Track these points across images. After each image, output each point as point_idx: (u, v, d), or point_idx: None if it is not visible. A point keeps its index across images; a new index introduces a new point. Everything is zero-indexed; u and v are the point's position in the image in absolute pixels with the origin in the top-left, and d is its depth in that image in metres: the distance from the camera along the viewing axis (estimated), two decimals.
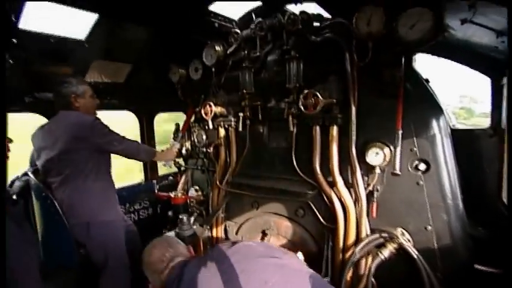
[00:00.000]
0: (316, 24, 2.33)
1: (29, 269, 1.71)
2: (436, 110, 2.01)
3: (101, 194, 2.56)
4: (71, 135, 2.38)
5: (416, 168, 1.99)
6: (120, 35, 2.80)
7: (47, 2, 2.16)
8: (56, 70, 2.81)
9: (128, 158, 2.70)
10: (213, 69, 2.77)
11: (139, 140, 3.75)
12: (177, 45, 3.08)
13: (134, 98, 3.51)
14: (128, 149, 2.61)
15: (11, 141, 1.74)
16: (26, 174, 2.64)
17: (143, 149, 2.77)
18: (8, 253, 1.52)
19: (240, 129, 2.63)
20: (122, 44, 2.92)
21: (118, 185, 2.98)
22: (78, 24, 2.65)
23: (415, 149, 1.98)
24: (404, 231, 2.00)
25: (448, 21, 1.89)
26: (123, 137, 2.61)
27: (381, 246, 2.03)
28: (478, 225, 2.08)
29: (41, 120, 2.96)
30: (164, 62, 3.13)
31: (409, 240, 1.97)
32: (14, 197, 2.12)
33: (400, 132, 1.95)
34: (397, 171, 1.98)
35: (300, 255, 2.49)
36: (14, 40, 2.33)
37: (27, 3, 2.13)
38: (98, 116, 2.64)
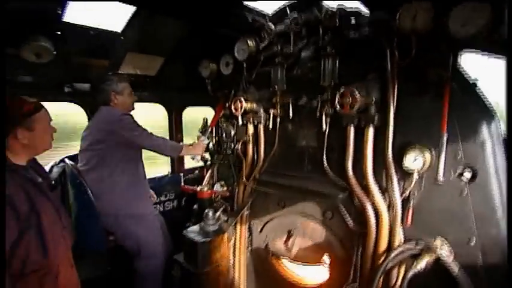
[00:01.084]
0: (354, 19, 2.23)
1: (65, 253, 1.77)
2: (486, 113, 1.85)
3: (128, 187, 2.67)
4: (100, 128, 2.60)
5: (460, 176, 1.85)
6: (154, 28, 2.84)
7: None
8: (94, 62, 2.91)
9: (156, 152, 2.78)
10: (245, 65, 2.73)
11: (167, 133, 3.83)
12: (209, 39, 3.08)
13: (164, 91, 3.56)
14: (154, 145, 2.72)
15: (54, 130, 1.82)
16: (63, 160, 2.77)
17: (170, 145, 2.85)
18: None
19: (270, 126, 2.58)
20: (155, 37, 2.97)
21: None
22: (115, 17, 2.72)
23: (460, 155, 1.83)
24: (444, 241, 1.87)
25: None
26: (151, 133, 2.72)
27: (416, 256, 1.90)
28: None
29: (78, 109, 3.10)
30: (196, 57, 3.15)
31: (449, 253, 1.83)
32: (53, 182, 2.22)
33: (446, 135, 1.81)
34: (440, 180, 1.84)
35: (326, 258, 2.43)
36: (58, 32, 2.43)
37: None
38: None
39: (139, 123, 2.70)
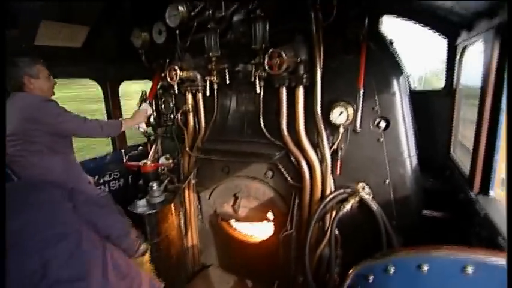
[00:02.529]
0: None
1: None
2: (397, 70, 2.08)
3: (62, 171, 2.46)
4: (21, 117, 2.23)
5: (378, 125, 2.09)
6: None
7: None
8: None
9: (92, 137, 2.56)
10: (177, 32, 2.63)
11: (104, 110, 3.59)
12: (138, 5, 2.88)
13: (95, 64, 3.29)
14: (89, 128, 2.45)
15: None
16: None
17: (107, 125, 2.59)
18: None
19: (208, 94, 2.58)
20: (75, 3, 2.68)
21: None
22: None
23: (376, 107, 2.06)
24: (365, 185, 2.13)
25: None
26: (83, 117, 2.45)
27: (343, 201, 2.15)
28: (429, 177, 2.27)
29: None
30: (126, 25, 2.94)
31: (369, 194, 2.11)
32: None
33: (362, 91, 2.01)
34: (358, 129, 2.07)
35: (270, 214, 2.61)
36: None
37: None
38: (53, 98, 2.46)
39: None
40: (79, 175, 2.63)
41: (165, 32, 2.77)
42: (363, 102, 2.03)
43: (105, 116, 3.57)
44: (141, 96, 3.11)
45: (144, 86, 3.53)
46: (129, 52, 3.02)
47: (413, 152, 2.09)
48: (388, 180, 2.08)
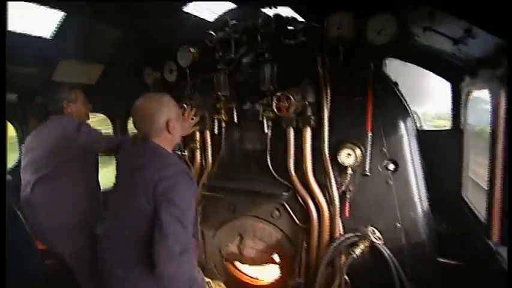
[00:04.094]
0: (290, 27, 2.37)
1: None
2: (403, 111, 2.10)
3: (81, 199, 2.45)
4: (57, 137, 2.35)
5: (386, 168, 2.06)
6: (90, 35, 2.71)
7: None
8: (19, 70, 2.67)
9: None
10: (188, 71, 2.74)
11: None
12: (151, 46, 3.02)
13: (106, 99, 3.39)
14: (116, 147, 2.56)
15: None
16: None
17: None
18: None
19: (216, 132, 2.61)
20: (92, 43, 2.82)
21: None
22: (45, 23, 2.53)
23: (384, 149, 2.05)
24: (375, 229, 2.06)
25: (412, 28, 2.00)
26: (110, 136, 2.56)
27: (353, 245, 2.07)
28: (441, 220, 2.20)
29: None
30: (138, 64, 3.07)
31: (379, 238, 2.04)
32: None
33: (370, 134, 2.02)
34: (367, 172, 2.05)
35: (275, 257, 2.52)
36: None
37: None
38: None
39: None
40: (95, 208, 2.61)
41: (176, 71, 2.87)
42: (371, 144, 2.03)
43: None
44: None
45: None
46: (139, 89, 3.13)
47: (424, 194, 2.04)
48: (399, 225, 2.01)
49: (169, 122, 1.58)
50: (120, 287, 1.57)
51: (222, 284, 2.45)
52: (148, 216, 1.43)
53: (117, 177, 1.74)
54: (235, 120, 2.56)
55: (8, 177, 2.55)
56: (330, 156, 2.15)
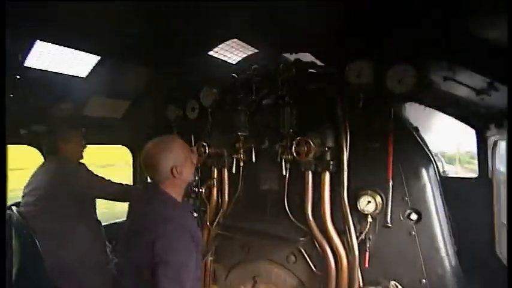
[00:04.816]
0: (310, 71, 2.45)
1: None
2: (425, 158, 2.05)
3: (84, 239, 2.50)
4: (51, 180, 2.42)
5: (409, 217, 1.98)
6: (119, 74, 2.89)
7: (53, 44, 2.26)
8: (55, 105, 2.85)
9: (118, 201, 2.69)
10: (209, 110, 2.84)
11: (131, 175, 3.73)
12: (174, 85, 3.17)
13: (129, 133, 3.53)
14: (115, 193, 2.60)
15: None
16: (9, 207, 2.56)
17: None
18: None
19: (234, 170, 2.63)
20: (120, 82, 3.00)
21: None
22: (80, 64, 2.74)
23: (406, 198, 1.99)
24: (398, 284, 1.94)
25: (433, 77, 2.01)
26: (109, 181, 2.62)
27: None
28: (473, 280, 2.03)
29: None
30: (162, 101, 3.21)
31: None
32: None
33: (391, 183, 1.97)
34: (389, 224, 1.97)
35: None
36: (18, 76, 2.39)
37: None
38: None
39: None
40: (99, 244, 2.63)
41: (198, 109, 2.98)
42: (392, 193, 1.97)
43: (131, 181, 3.70)
44: None
45: None
46: (161, 125, 3.25)
47: (452, 249, 1.92)
48: (424, 281, 1.88)
49: (174, 168, 1.59)
50: None
51: None
52: (148, 263, 1.46)
53: (128, 215, 1.80)
54: (253, 160, 2.58)
55: None
56: (349, 203, 2.10)
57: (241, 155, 2.60)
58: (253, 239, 2.52)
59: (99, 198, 2.65)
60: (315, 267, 2.26)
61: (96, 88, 2.90)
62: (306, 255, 2.29)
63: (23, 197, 2.52)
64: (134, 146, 3.69)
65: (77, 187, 2.45)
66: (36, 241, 2.33)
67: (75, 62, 2.61)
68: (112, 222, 3.47)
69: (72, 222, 2.45)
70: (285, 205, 2.35)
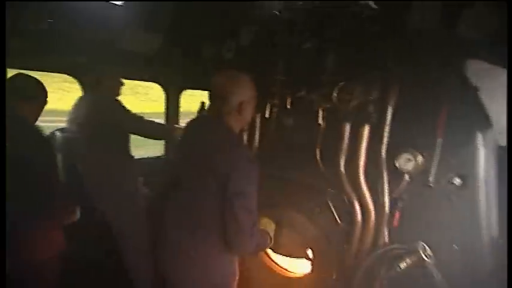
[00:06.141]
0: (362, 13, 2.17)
1: None
2: (482, 122, 1.82)
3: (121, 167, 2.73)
4: (89, 115, 2.63)
5: (450, 182, 1.84)
6: (153, 3, 2.75)
7: None
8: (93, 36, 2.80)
9: (154, 139, 2.98)
10: (247, 51, 2.67)
11: (162, 114, 3.79)
12: (211, 21, 2.98)
13: (164, 69, 3.49)
14: (151, 130, 2.82)
15: None
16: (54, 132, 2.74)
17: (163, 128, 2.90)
18: None
19: (266, 115, 2.54)
20: (154, 12, 2.87)
21: None
22: None
23: (452, 160, 1.82)
24: (426, 246, 1.87)
25: None
26: (146, 119, 2.78)
27: (398, 257, 1.91)
28: None
29: None
30: (198, 37, 3.07)
31: (430, 257, 1.84)
32: None
33: (440, 141, 1.79)
34: (430, 183, 1.84)
35: (309, 252, 2.45)
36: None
37: None
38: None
39: None
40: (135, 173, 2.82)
41: (235, 49, 2.82)
42: (439, 153, 1.80)
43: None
44: (200, 107, 3.18)
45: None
46: (196, 64, 3.17)
47: (497, 230, 1.76)
48: (456, 247, 1.79)
49: (242, 104, 1.57)
50: (181, 255, 1.69)
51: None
52: (215, 194, 1.50)
53: (182, 142, 1.85)
54: (288, 106, 2.46)
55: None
56: (386, 159, 1.97)
57: (276, 100, 2.49)
58: (280, 186, 2.51)
59: (134, 133, 2.74)
60: (340, 220, 2.23)
61: (131, 18, 2.81)
62: (332, 207, 2.26)
63: (66, 123, 2.69)
64: (167, 84, 3.67)
65: (112, 121, 2.56)
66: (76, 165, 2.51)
67: None
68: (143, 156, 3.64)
69: (107, 152, 2.60)
70: (316, 155, 2.27)
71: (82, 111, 2.65)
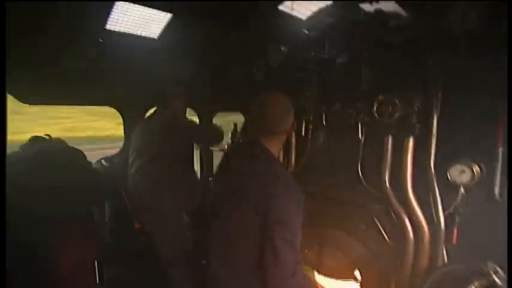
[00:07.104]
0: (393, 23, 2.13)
1: None
2: None
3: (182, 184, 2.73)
4: (162, 128, 2.71)
5: None
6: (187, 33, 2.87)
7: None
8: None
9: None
10: (276, 70, 2.70)
11: None
12: (240, 42, 3.06)
13: (196, 95, 3.60)
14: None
15: None
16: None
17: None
18: None
19: (302, 134, 2.52)
20: (187, 40, 2.98)
21: None
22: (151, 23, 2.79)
23: None
24: (498, 268, 1.68)
25: None
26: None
27: (463, 280, 1.73)
28: None
29: None
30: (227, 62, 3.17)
31: (504, 281, 1.64)
32: None
33: (501, 150, 1.65)
34: (497, 197, 1.68)
35: (357, 274, 2.31)
36: (100, 39, 2.55)
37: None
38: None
39: None
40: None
41: (264, 68, 2.87)
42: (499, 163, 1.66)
43: None
44: (233, 129, 3.23)
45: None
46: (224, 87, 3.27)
47: None
48: None
49: (290, 126, 1.54)
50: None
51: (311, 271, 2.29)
52: (254, 224, 1.39)
53: (221, 169, 1.75)
54: (324, 123, 2.42)
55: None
56: (435, 171, 1.85)
57: (311, 117, 2.46)
58: (322, 204, 2.43)
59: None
60: (388, 237, 2.10)
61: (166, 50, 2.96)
62: (378, 224, 2.14)
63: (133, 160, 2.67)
64: (202, 107, 3.77)
65: (183, 133, 2.71)
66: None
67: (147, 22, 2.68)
68: None
69: (173, 167, 2.61)
70: (358, 171, 2.19)
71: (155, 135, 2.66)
